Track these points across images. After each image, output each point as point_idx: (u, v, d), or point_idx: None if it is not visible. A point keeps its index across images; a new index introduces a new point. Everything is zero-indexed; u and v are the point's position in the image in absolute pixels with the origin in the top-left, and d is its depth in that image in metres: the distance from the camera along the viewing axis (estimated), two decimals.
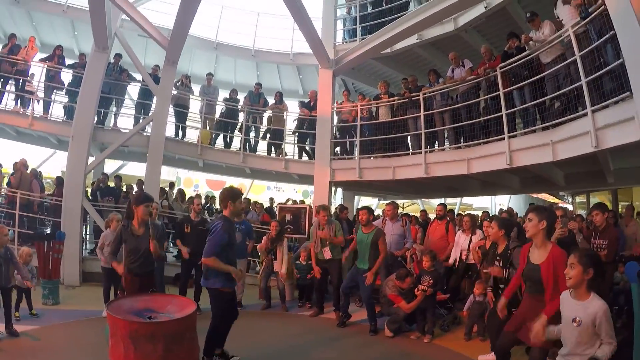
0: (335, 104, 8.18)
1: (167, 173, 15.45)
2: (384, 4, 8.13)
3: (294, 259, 6.07)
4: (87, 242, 8.00)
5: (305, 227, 7.36)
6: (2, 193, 8.10)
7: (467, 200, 17.37)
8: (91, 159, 7.44)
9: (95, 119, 7.45)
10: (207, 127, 8.94)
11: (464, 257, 5.39)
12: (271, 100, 9.13)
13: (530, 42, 5.14)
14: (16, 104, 7.87)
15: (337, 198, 10.85)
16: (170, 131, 8.37)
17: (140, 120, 8.10)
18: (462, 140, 6.28)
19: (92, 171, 8.32)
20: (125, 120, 8.87)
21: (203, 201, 10.20)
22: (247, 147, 8.79)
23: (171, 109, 8.31)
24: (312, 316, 5.47)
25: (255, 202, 9.59)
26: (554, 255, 2.64)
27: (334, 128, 8.11)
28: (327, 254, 5.32)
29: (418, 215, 8.37)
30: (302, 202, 12.32)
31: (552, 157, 4.74)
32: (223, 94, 9.58)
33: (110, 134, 8.02)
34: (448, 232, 5.89)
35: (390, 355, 4.15)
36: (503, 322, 3.02)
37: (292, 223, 7.50)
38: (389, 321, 4.66)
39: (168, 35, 7.55)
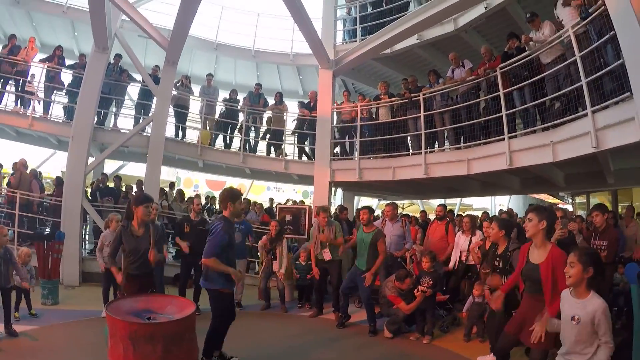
0: (335, 105, 8.18)
1: (167, 173, 15.45)
2: (384, 5, 8.13)
3: (294, 260, 6.07)
4: (87, 242, 7.99)
5: (304, 227, 7.36)
6: (2, 193, 8.10)
7: (467, 200, 17.35)
8: (91, 159, 7.44)
9: (95, 119, 7.45)
10: (207, 128, 8.93)
11: (463, 258, 5.38)
12: (271, 101, 9.13)
13: (530, 43, 5.13)
14: (16, 104, 7.87)
15: (337, 198, 10.84)
16: (170, 131, 8.38)
17: (140, 121, 8.10)
18: (462, 141, 6.28)
19: (92, 171, 8.33)
20: (125, 120, 8.91)
21: (203, 201, 10.19)
22: (247, 147, 8.79)
23: (171, 110, 8.30)
24: (312, 317, 5.46)
25: (255, 203, 9.61)
26: (554, 256, 2.64)
27: (334, 128, 8.10)
28: (327, 255, 5.32)
29: (418, 215, 8.38)
30: (302, 202, 12.31)
31: (552, 158, 4.74)
32: (223, 94, 9.57)
33: (110, 134, 8.02)
34: (448, 233, 5.86)
35: (390, 356, 4.15)
36: (503, 323, 3.01)
37: (291, 223, 7.49)
38: (389, 322, 4.65)
39: (168, 35, 7.56)
